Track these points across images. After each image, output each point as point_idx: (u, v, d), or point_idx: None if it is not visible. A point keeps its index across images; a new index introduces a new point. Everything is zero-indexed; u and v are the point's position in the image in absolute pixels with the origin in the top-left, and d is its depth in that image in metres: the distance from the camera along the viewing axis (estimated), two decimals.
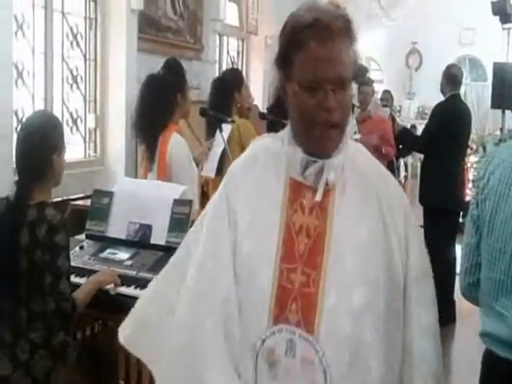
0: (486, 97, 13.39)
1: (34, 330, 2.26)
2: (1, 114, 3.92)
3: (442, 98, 5.37)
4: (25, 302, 2.26)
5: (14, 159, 3.83)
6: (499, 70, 7.57)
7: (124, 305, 2.40)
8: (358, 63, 1.52)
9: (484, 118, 11.08)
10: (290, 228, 1.41)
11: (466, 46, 13.62)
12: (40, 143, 2.34)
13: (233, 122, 3.96)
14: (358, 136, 5.78)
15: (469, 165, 7.99)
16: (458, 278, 5.76)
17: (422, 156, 12.77)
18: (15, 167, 2.41)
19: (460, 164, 5.31)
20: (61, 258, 2.21)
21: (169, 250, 2.69)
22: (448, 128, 4.98)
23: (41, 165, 2.34)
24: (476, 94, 12.50)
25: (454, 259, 5.30)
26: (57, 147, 2.39)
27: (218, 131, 3.80)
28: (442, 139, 4.99)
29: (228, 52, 7.76)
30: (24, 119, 4.31)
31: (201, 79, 6.12)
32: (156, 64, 3.76)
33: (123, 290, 2.43)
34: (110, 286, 2.46)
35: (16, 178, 2.43)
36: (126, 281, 2.52)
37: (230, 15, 7.51)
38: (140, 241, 2.78)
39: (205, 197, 4.36)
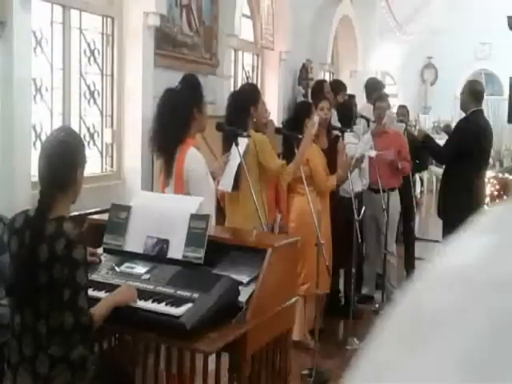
0: (502, 111, 13.39)
1: (53, 344, 2.26)
2: (19, 129, 3.96)
3: (456, 112, 5.36)
4: (44, 317, 2.27)
5: (31, 173, 3.90)
6: None
7: (141, 319, 2.41)
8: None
9: (501, 132, 11.03)
10: None
11: (482, 60, 13.63)
12: (65, 159, 2.37)
13: (249, 136, 3.97)
14: (374, 153, 5.76)
15: (485, 180, 7.93)
16: None
17: (437, 171, 12.69)
18: (39, 181, 2.43)
19: (480, 179, 5.29)
20: (79, 272, 2.22)
21: (186, 265, 2.70)
22: (472, 144, 4.99)
23: (65, 180, 2.36)
24: (492, 108, 12.48)
25: None
26: (80, 163, 2.42)
27: (233, 145, 3.81)
28: (465, 155, 4.98)
29: (243, 67, 7.79)
30: (43, 134, 4.39)
31: (216, 94, 6.15)
32: (172, 79, 3.78)
33: (141, 304, 2.43)
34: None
35: (34, 191, 2.44)
36: (143, 295, 2.52)
37: (245, 30, 7.55)
38: (157, 255, 2.78)
39: (220, 211, 4.37)
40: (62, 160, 2.36)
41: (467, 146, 4.99)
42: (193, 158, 3.32)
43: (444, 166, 5.85)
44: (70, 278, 2.20)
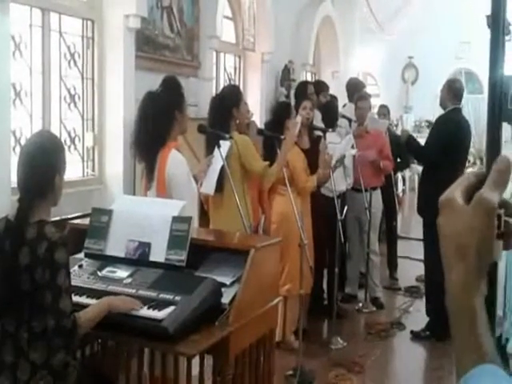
0: (483, 110, 13.49)
1: (34, 350, 2.25)
2: None
3: (438, 111, 5.40)
4: (26, 323, 2.25)
5: (11, 179, 3.87)
6: None
7: (124, 324, 2.40)
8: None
9: (481, 130, 11.11)
10: None
11: (462, 59, 13.72)
12: (43, 164, 2.34)
13: (231, 138, 3.97)
14: (355, 151, 5.80)
15: None
16: None
17: (419, 169, 12.77)
18: (17, 187, 2.41)
19: (459, 176, 5.32)
20: (60, 275, 2.20)
21: (168, 268, 2.69)
22: (450, 141, 5.02)
23: (44, 185, 2.34)
24: (472, 106, 12.57)
25: None
26: (59, 168, 2.40)
27: (216, 148, 3.81)
28: (444, 152, 5.01)
29: (225, 69, 7.79)
30: (23, 139, 4.36)
31: (198, 96, 6.14)
32: (153, 82, 3.77)
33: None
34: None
35: (14, 197, 2.43)
36: None
37: (227, 32, 7.55)
38: (139, 259, 2.78)
39: (204, 214, 4.37)
40: (40, 165, 2.34)
41: (446, 143, 5.03)
42: (175, 160, 3.32)
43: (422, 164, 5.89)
44: (50, 281, 2.19)
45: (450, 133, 5.07)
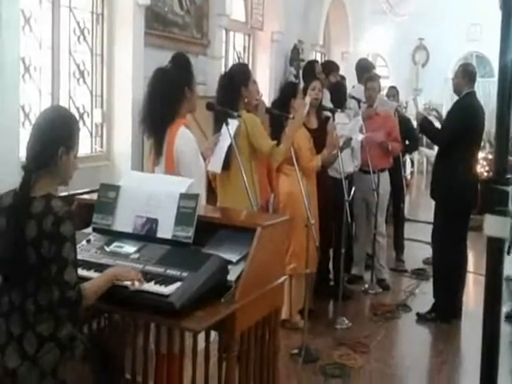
0: (493, 93, 13.37)
1: (41, 322, 2.26)
2: (8, 109, 3.93)
3: (447, 94, 5.36)
4: (33, 295, 2.26)
5: (20, 153, 3.88)
6: None
7: (129, 298, 2.41)
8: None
9: (491, 114, 11.03)
10: None
11: (473, 42, 13.60)
12: (48, 136, 2.34)
13: (239, 116, 3.95)
14: (362, 136, 5.78)
15: None
16: (467, 276, 5.72)
17: (428, 152, 12.70)
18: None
19: (473, 160, 5.31)
20: (66, 247, 2.21)
21: (175, 244, 2.70)
22: (467, 127, 5.02)
23: (46, 156, 2.33)
24: (483, 90, 12.46)
25: (465, 255, 5.30)
26: (66, 141, 2.37)
27: (224, 126, 3.80)
28: (459, 137, 5.00)
29: (234, 47, 7.75)
30: (31, 114, 4.36)
31: (207, 74, 6.12)
32: (162, 59, 3.75)
33: (129, 282, 2.42)
34: (128, 283, 2.41)
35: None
36: None
37: (237, 10, 7.50)
38: (146, 234, 2.78)
39: (212, 192, 4.37)
40: (44, 137, 2.33)
41: (463, 128, 5.01)
42: (184, 137, 3.30)
43: (437, 147, 5.85)
44: (56, 253, 2.19)
45: (467, 118, 5.06)
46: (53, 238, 2.20)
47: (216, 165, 4.13)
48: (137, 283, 2.40)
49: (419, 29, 13.60)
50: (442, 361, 4.59)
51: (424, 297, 5.75)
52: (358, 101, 6.20)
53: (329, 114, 5.20)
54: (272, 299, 2.90)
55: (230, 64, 7.22)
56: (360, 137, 5.74)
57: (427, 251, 5.82)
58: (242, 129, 4.11)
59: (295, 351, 4.38)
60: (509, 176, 1.70)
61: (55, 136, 2.35)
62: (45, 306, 2.25)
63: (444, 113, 6.54)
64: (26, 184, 2.30)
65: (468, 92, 5.17)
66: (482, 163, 8.76)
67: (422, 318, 5.32)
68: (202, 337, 3.01)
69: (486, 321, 1.74)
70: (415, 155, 12.80)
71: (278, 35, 8.05)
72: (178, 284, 2.40)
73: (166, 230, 2.74)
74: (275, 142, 4.27)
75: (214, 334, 3.09)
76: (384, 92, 7.83)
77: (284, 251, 3.41)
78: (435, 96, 13.10)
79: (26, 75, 4.38)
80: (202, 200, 3.23)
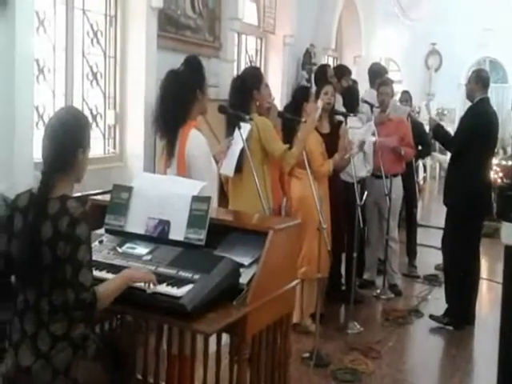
0: (506, 99, 13.31)
1: (55, 321, 2.27)
2: (22, 110, 3.95)
3: (460, 100, 5.34)
4: (47, 295, 2.27)
5: (34, 154, 3.89)
6: None
7: (142, 300, 2.40)
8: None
9: (504, 120, 10.99)
10: None
11: (486, 47, 13.53)
12: (66, 139, 2.34)
13: (251, 119, 3.95)
14: (375, 138, 5.76)
15: None
16: (480, 282, 5.67)
17: (441, 157, 12.64)
18: (42, 161, 2.42)
19: (487, 166, 5.27)
20: (81, 250, 2.21)
21: (187, 246, 2.69)
22: (480, 133, 4.99)
23: (65, 160, 2.34)
24: (496, 95, 12.41)
25: (477, 262, 5.26)
26: (82, 143, 2.40)
27: (236, 130, 3.79)
28: (473, 143, 4.98)
29: (246, 51, 7.75)
30: (45, 115, 4.37)
31: (219, 77, 6.12)
32: (175, 61, 3.75)
33: (142, 284, 2.42)
34: (141, 285, 2.40)
35: (37, 172, 2.43)
36: None
37: (249, 14, 7.50)
38: (159, 236, 2.78)
39: (224, 195, 4.36)
40: (63, 140, 2.34)
41: (476, 134, 4.99)
42: (195, 140, 3.30)
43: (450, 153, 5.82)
44: (71, 255, 2.20)
45: (480, 125, 5.04)
46: (68, 239, 2.21)
47: (228, 168, 4.13)
48: (152, 285, 2.40)
49: (432, 33, 13.56)
50: (455, 367, 4.55)
51: (436, 302, 5.71)
52: (371, 105, 6.18)
53: (341, 118, 5.19)
54: (284, 303, 2.89)
55: (242, 67, 7.22)
56: (373, 138, 5.71)
57: (439, 257, 5.78)
58: (254, 132, 4.11)
59: (306, 355, 4.36)
60: None
61: (73, 139, 2.37)
62: (59, 306, 2.26)
63: (457, 119, 6.52)
64: (45, 186, 2.31)
65: (481, 98, 5.14)
66: (496, 169, 8.71)
67: (435, 320, 5.27)
68: (213, 339, 3.00)
69: (504, 327, 1.72)
70: (428, 160, 12.73)
71: (290, 39, 8.04)
72: (190, 286, 2.39)
73: (178, 232, 2.74)
74: (287, 145, 4.26)
75: (225, 337, 3.08)
76: (397, 97, 7.80)
77: (296, 255, 3.40)
78: (448, 101, 13.06)
79: (40, 76, 4.40)
80: (214, 203, 3.23)
